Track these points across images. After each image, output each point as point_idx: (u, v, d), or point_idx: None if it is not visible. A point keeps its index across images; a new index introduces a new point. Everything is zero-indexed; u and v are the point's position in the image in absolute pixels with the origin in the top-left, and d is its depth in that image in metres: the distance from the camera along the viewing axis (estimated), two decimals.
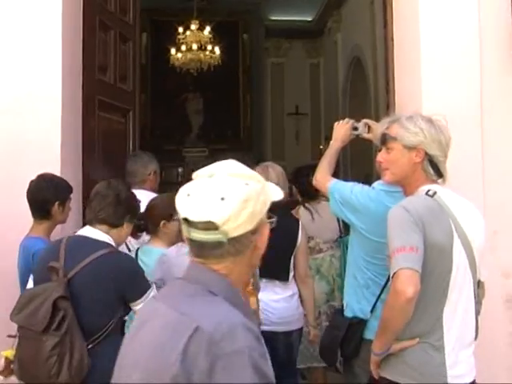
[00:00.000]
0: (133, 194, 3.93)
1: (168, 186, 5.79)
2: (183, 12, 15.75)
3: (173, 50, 15.54)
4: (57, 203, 4.26)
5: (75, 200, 4.59)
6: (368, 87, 13.03)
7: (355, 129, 4.05)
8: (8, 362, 3.35)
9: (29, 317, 3.26)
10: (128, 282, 3.48)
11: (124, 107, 6.45)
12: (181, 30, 15.30)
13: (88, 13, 5.46)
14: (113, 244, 3.63)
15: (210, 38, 15.45)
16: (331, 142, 4.27)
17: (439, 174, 3.19)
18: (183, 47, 15.36)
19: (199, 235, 1.96)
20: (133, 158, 5.80)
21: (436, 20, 4.74)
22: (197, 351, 1.78)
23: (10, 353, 3.34)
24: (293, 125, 18.28)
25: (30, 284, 3.59)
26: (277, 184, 5.16)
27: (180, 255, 3.88)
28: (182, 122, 17.68)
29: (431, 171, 3.19)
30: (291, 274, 4.99)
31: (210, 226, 1.93)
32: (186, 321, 1.85)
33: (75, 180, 4.74)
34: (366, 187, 3.85)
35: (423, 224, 2.93)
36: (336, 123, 4.24)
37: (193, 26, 15.25)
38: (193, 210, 1.96)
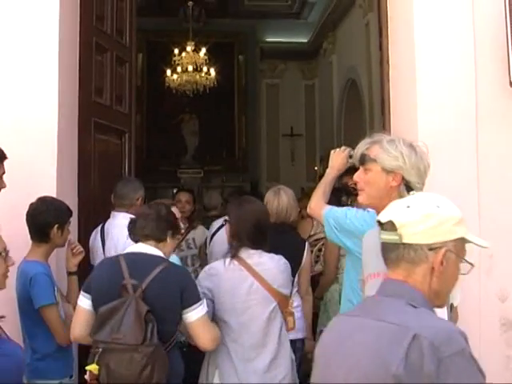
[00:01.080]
0: (173, 212, 4.16)
1: None
2: (179, 33, 15.86)
3: (168, 72, 15.61)
4: (56, 226, 4.24)
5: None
6: (363, 108, 13.06)
7: (352, 157, 4.05)
8: (93, 375, 3.49)
9: (114, 332, 3.49)
10: (187, 290, 3.74)
11: (120, 129, 6.47)
12: (176, 51, 15.38)
13: (84, 34, 5.48)
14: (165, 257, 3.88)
15: (206, 60, 15.54)
16: (327, 171, 4.25)
17: None
18: (179, 69, 15.45)
19: (383, 235, 2.25)
20: (123, 181, 5.79)
21: (431, 42, 4.77)
22: (419, 356, 1.96)
23: (94, 367, 3.47)
24: (288, 146, 18.30)
25: (85, 302, 3.76)
26: (287, 206, 5.34)
27: (229, 270, 4.14)
28: (178, 143, 17.68)
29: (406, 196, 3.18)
30: (294, 290, 5.06)
31: (390, 227, 2.20)
32: (402, 330, 2.02)
33: (71, 202, 4.72)
34: (360, 211, 3.82)
35: None
36: (332, 151, 4.22)
37: (188, 48, 15.33)
38: (383, 214, 2.27)
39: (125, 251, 3.95)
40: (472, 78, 4.70)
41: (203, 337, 3.81)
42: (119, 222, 5.22)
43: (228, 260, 4.19)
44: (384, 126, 5.34)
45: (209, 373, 4.21)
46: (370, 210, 3.68)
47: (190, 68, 15.31)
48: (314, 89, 18.80)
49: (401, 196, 3.15)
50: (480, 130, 4.69)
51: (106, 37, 6.09)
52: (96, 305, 3.67)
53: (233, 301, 4.12)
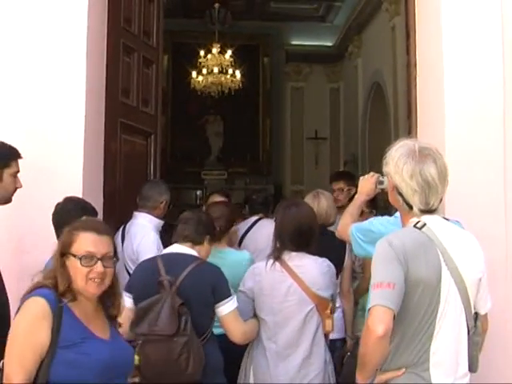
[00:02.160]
0: (212, 220, 4.53)
1: (186, 208, 5.87)
2: (204, 35, 15.90)
3: (194, 73, 15.63)
4: None
5: None
6: (388, 112, 13.01)
7: (380, 183, 4.02)
8: (135, 365, 3.63)
9: (152, 325, 3.82)
10: (218, 286, 4.05)
11: (146, 130, 6.49)
12: (202, 53, 15.40)
13: (112, 36, 5.52)
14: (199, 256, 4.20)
15: (231, 62, 15.53)
16: (356, 196, 4.27)
17: (409, 205, 3.13)
18: (204, 70, 15.45)
19: None
20: (151, 183, 5.86)
21: (460, 45, 4.74)
22: None
23: (136, 358, 3.64)
24: (312, 149, 18.24)
25: (127, 301, 3.98)
26: (326, 209, 5.44)
27: (270, 271, 4.30)
28: (202, 145, 17.73)
29: (400, 201, 3.15)
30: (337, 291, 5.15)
31: None
32: None
33: (96, 202, 4.74)
34: (384, 217, 3.86)
35: (406, 258, 2.91)
36: (361, 177, 4.21)
37: (214, 50, 15.35)
38: None
39: (162, 252, 4.35)
40: (500, 82, 4.67)
41: (233, 330, 4.12)
42: (139, 222, 5.36)
43: (271, 261, 4.33)
44: (410, 130, 5.33)
45: (246, 367, 4.42)
46: (396, 215, 3.67)
47: (216, 70, 15.31)
48: (339, 92, 18.73)
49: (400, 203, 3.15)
50: (508, 135, 4.65)
51: (133, 38, 6.11)
52: (136, 302, 4.00)
53: (271, 300, 4.28)
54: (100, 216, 4.86)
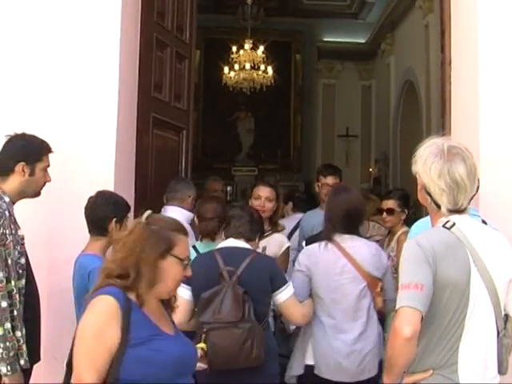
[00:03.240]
0: (262, 218, 4.90)
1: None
2: (237, 31, 15.91)
3: (226, 69, 15.64)
4: (114, 220, 4.25)
5: None
6: (420, 111, 12.94)
7: None
8: (203, 352, 3.87)
9: (216, 313, 4.01)
10: (275, 275, 4.27)
11: (178, 125, 6.50)
12: (234, 49, 15.41)
13: (145, 30, 5.52)
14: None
15: (263, 58, 15.53)
16: None
17: (437, 205, 3.08)
18: (236, 66, 15.47)
19: None
20: (177, 179, 6.00)
21: (495, 44, 4.69)
22: None
23: (203, 345, 3.90)
24: (343, 147, 18.23)
25: (185, 293, 4.16)
26: None
27: (325, 251, 4.51)
28: (233, 141, 17.80)
29: (429, 200, 3.10)
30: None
31: None
32: None
33: (128, 196, 4.74)
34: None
35: (435, 260, 2.87)
36: None
37: (246, 46, 15.35)
38: None
39: (217, 247, 4.48)
40: None
41: (295, 313, 4.39)
42: (170, 215, 5.27)
43: (323, 243, 4.54)
44: (444, 128, 5.28)
45: (304, 344, 4.61)
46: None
47: (248, 66, 15.33)
48: (371, 90, 18.69)
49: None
50: None
51: (166, 33, 6.11)
52: (196, 294, 4.17)
53: (327, 279, 4.48)
54: (132, 210, 4.88)
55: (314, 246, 4.61)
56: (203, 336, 3.96)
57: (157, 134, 5.86)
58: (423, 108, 12.74)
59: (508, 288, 3.06)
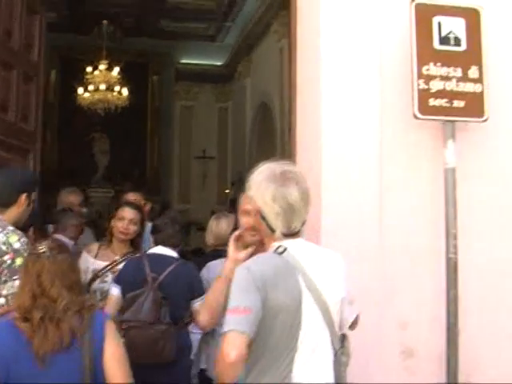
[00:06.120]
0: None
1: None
2: (93, 51, 15.71)
3: (80, 90, 15.45)
4: None
5: None
6: (275, 133, 13.14)
7: None
8: None
9: (135, 314, 4.48)
10: (194, 282, 4.72)
11: (23, 147, 6.33)
12: (89, 69, 15.25)
13: None
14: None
15: (119, 79, 15.45)
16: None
17: (271, 229, 3.13)
18: (91, 87, 15.31)
19: None
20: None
21: (337, 69, 4.76)
22: None
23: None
24: (200, 168, 18.28)
25: (115, 291, 4.74)
26: (226, 231, 5.50)
27: None
28: (89, 162, 17.51)
29: (263, 224, 3.14)
30: None
31: None
32: None
33: None
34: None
35: (265, 285, 2.91)
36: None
37: (101, 66, 15.22)
38: None
39: (147, 252, 4.99)
40: (377, 104, 4.72)
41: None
42: None
43: None
44: (290, 153, 5.33)
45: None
46: None
47: (103, 87, 15.20)
48: (228, 112, 18.86)
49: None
50: (384, 152, 4.70)
51: (12, 53, 5.97)
52: (124, 293, 4.66)
53: None
54: None
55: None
56: (122, 332, 4.20)
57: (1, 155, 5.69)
58: (277, 130, 12.96)
59: (340, 307, 3.14)
